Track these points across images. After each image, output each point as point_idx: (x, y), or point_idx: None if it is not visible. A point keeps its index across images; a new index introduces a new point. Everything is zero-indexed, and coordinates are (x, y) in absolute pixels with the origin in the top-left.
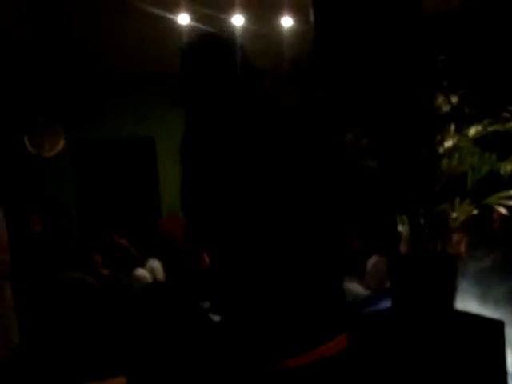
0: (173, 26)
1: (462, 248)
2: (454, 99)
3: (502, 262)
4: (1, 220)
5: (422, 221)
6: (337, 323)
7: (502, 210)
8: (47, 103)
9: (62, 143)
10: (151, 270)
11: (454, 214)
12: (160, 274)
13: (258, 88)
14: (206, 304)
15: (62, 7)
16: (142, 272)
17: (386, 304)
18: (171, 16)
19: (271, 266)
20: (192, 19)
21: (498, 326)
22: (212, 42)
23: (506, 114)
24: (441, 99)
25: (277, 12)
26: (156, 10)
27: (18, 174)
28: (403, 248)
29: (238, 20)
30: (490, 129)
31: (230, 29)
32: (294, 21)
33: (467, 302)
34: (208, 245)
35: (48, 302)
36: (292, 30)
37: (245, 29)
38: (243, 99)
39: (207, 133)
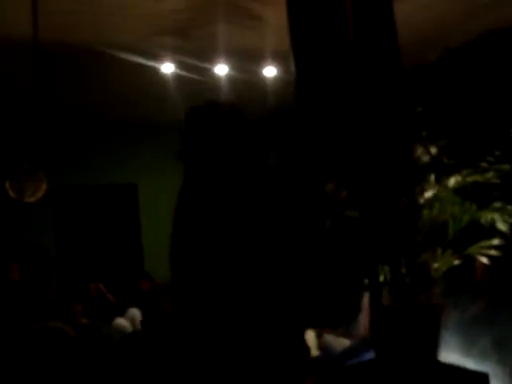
0: (157, 76)
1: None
2: (434, 150)
3: (486, 312)
4: None
5: (403, 271)
6: (298, 369)
7: (484, 260)
8: (29, 149)
9: (43, 189)
10: (131, 318)
11: (436, 265)
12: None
13: (255, 160)
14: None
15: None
16: (121, 321)
17: (370, 355)
18: (156, 65)
19: (237, 319)
20: (176, 68)
21: (482, 379)
22: (217, 111)
23: (484, 165)
24: (420, 150)
25: (260, 62)
26: (140, 60)
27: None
28: (385, 299)
29: (221, 69)
30: (469, 179)
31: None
32: (277, 71)
33: (451, 354)
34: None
35: (24, 352)
36: (275, 79)
37: (228, 78)
38: (240, 170)
39: (203, 196)
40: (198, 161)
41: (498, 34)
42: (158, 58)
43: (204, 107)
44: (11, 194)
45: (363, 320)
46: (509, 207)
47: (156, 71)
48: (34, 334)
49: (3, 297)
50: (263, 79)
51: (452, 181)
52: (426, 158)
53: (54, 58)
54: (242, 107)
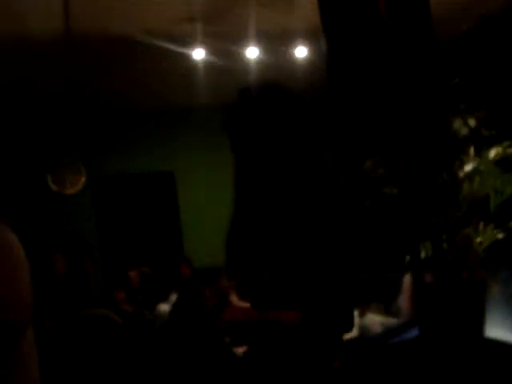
0: (188, 62)
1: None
2: (472, 122)
3: None
4: (23, 264)
5: (445, 247)
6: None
7: None
8: (68, 142)
9: (82, 180)
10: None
11: (479, 239)
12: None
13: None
14: (228, 339)
15: (79, 49)
16: (165, 307)
17: (413, 334)
18: (187, 51)
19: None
20: (207, 53)
21: None
22: (268, 93)
23: None
24: (458, 123)
25: (291, 43)
26: (171, 46)
27: (41, 213)
28: (428, 276)
29: (252, 52)
30: (510, 150)
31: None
32: (309, 51)
33: (497, 328)
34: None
35: (71, 339)
36: (306, 59)
37: (259, 61)
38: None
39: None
40: (252, 144)
41: None
42: (188, 44)
43: (253, 89)
44: (52, 186)
45: (404, 300)
46: None
47: (187, 57)
48: (82, 321)
49: (49, 287)
50: (294, 60)
51: (492, 153)
52: (464, 131)
53: (86, 48)
54: (289, 88)
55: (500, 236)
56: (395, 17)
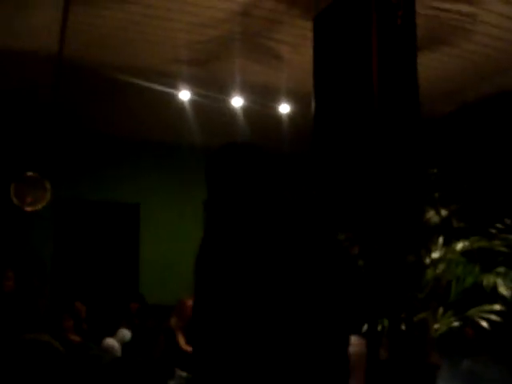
0: (173, 101)
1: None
2: (444, 212)
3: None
4: None
5: (402, 326)
6: None
7: (484, 324)
8: (38, 158)
9: (46, 199)
10: (121, 339)
11: (436, 325)
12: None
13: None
14: (173, 383)
15: (64, 74)
16: (111, 342)
17: None
18: (173, 91)
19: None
20: (193, 96)
21: None
22: (241, 156)
23: (493, 231)
24: (431, 212)
25: (276, 99)
26: (158, 86)
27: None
28: (382, 352)
29: (237, 102)
30: (476, 245)
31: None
32: (292, 109)
33: None
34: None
35: (12, 363)
36: (289, 116)
37: (243, 110)
38: (267, 215)
39: (228, 246)
40: (223, 208)
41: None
42: (175, 85)
43: (226, 150)
44: (14, 199)
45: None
46: None
47: (172, 97)
48: (23, 346)
49: None
50: (278, 115)
51: (460, 245)
52: (435, 220)
53: (74, 74)
54: (263, 148)
55: (456, 324)
56: (386, 93)
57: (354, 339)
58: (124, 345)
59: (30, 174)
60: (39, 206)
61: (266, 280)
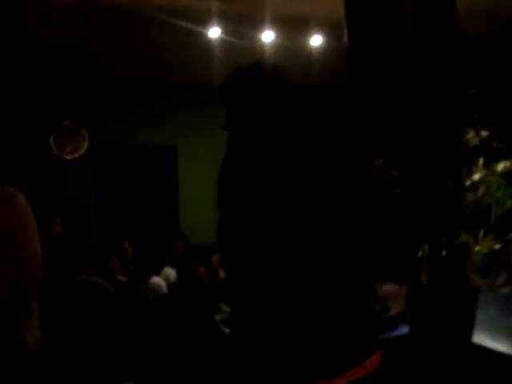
0: (201, 39)
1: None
2: (484, 133)
3: None
4: (34, 230)
5: (443, 251)
6: (369, 344)
7: None
8: (74, 106)
9: (85, 147)
10: (166, 277)
11: (477, 248)
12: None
13: (300, 122)
14: (218, 317)
15: (91, 18)
16: (157, 280)
17: (403, 330)
18: (202, 30)
19: (305, 288)
20: (223, 32)
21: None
22: (259, 73)
23: None
24: (470, 133)
25: (307, 31)
26: (187, 24)
27: (41, 174)
28: (423, 277)
29: (267, 36)
30: None
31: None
32: (324, 40)
33: (482, 335)
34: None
35: (65, 303)
36: (321, 48)
37: (274, 45)
38: (287, 134)
39: (249, 165)
40: (243, 126)
41: None
42: (205, 22)
43: (249, 69)
44: (53, 149)
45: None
46: None
47: (202, 35)
48: (74, 287)
49: (44, 250)
50: (309, 48)
51: (500, 166)
52: (475, 141)
53: (100, 18)
54: (286, 71)
55: (497, 246)
56: (421, 15)
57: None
58: (170, 284)
59: (67, 123)
60: (78, 154)
61: (289, 205)
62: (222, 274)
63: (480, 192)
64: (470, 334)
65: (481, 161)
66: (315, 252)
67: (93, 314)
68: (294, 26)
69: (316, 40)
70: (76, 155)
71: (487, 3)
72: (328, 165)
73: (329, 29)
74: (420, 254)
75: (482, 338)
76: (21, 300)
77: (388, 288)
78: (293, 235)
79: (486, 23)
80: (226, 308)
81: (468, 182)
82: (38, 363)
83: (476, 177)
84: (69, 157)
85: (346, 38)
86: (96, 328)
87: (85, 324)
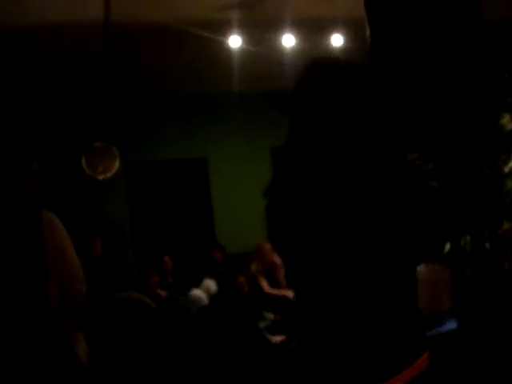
0: (224, 48)
1: None
2: None
3: None
4: (72, 250)
5: (486, 241)
6: (418, 343)
7: None
8: (103, 126)
9: (116, 166)
10: (207, 289)
11: None
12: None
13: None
14: (262, 324)
15: (118, 36)
16: (197, 292)
17: (452, 326)
18: (223, 39)
19: (352, 294)
20: (243, 40)
21: None
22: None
23: None
24: (506, 118)
25: (327, 31)
26: (208, 34)
27: (75, 196)
28: (467, 270)
29: (288, 40)
30: None
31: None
32: (345, 40)
33: None
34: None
35: (109, 321)
36: (342, 48)
37: (294, 48)
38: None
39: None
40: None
41: None
42: (225, 31)
43: (326, 62)
44: (86, 170)
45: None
46: None
47: (223, 45)
48: (117, 304)
49: (87, 271)
50: (330, 48)
51: None
52: (511, 126)
53: (124, 35)
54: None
55: None
56: (445, 4)
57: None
58: (211, 296)
59: (97, 143)
60: (111, 174)
61: (335, 213)
62: (262, 281)
63: None
64: None
65: None
66: (362, 252)
67: (136, 329)
68: (314, 29)
69: (337, 40)
70: (108, 175)
71: None
72: (369, 164)
73: (349, 28)
74: (462, 245)
75: None
76: (70, 315)
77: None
78: (339, 237)
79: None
80: (268, 315)
81: (506, 169)
82: (89, 376)
83: None
84: (101, 177)
85: (368, 34)
86: (140, 343)
87: (128, 340)
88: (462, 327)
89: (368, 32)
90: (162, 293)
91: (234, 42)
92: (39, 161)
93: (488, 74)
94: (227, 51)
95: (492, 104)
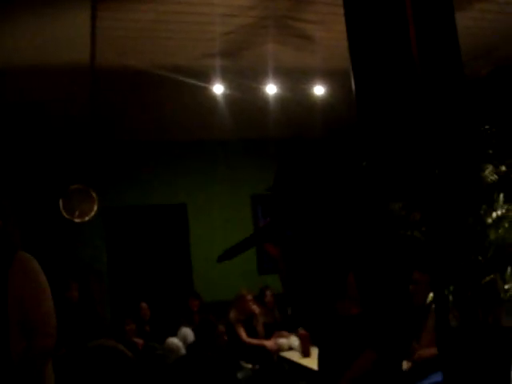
0: (206, 96)
1: None
2: (502, 168)
3: None
4: (46, 297)
5: (469, 291)
6: None
7: None
8: (82, 170)
9: (94, 209)
10: (183, 338)
11: (507, 286)
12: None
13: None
14: (240, 375)
15: (102, 81)
16: (174, 341)
17: (437, 378)
18: (206, 86)
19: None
20: (226, 88)
21: None
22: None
23: None
24: (488, 169)
25: (309, 81)
26: (192, 81)
27: (53, 240)
28: (452, 320)
29: (271, 89)
30: None
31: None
32: (327, 89)
33: None
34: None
35: (80, 369)
36: (324, 97)
37: (277, 97)
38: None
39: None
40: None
41: None
42: (209, 79)
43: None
44: (63, 213)
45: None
46: None
47: (207, 92)
48: (91, 352)
49: (62, 316)
50: (313, 98)
51: None
52: (493, 177)
53: (109, 81)
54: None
55: None
56: (427, 57)
57: None
58: (188, 345)
59: (75, 186)
60: (88, 217)
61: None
62: (240, 330)
63: (502, 229)
64: (508, 376)
65: (501, 196)
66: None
67: (110, 379)
68: (296, 78)
69: (318, 90)
70: (86, 218)
71: (486, 42)
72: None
73: (331, 78)
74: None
75: None
76: (33, 367)
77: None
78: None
79: (488, 61)
80: (246, 365)
81: (489, 220)
82: None
83: (497, 213)
84: (78, 220)
85: (353, 86)
86: None
87: None
88: (446, 379)
89: (353, 83)
90: (138, 341)
91: (217, 89)
92: (15, 202)
93: (470, 126)
94: (210, 99)
95: (474, 156)
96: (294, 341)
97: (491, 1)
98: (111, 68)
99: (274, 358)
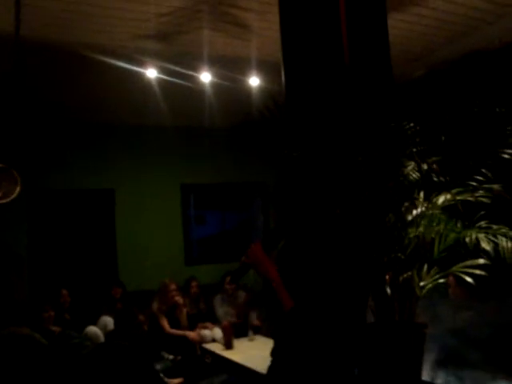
0: (140, 80)
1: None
2: (424, 167)
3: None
4: None
5: (387, 288)
6: None
7: (468, 279)
8: (5, 149)
9: (17, 191)
10: (104, 326)
11: (422, 282)
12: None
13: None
14: (159, 366)
15: (28, 56)
16: (93, 329)
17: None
18: (139, 70)
19: None
20: (160, 73)
21: None
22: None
23: (473, 184)
24: (410, 167)
25: (245, 71)
26: (124, 64)
27: None
28: (368, 316)
29: (205, 77)
30: (460, 197)
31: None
32: (261, 80)
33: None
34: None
35: None
36: (259, 88)
37: (212, 85)
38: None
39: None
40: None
41: (480, 54)
42: (141, 62)
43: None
44: None
45: None
46: (494, 227)
47: (139, 76)
48: (3, 340)
49: None
50: (247, 88)
51: (441, 199)
52: (415, 175)
53: (35, 55)
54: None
55: (441, 280)
56: (357, 55)
57: None
58: (107, 333)
59: None
60: (10, 199)
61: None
62: (162, 321)
63: (422, 226)
64: (419, 372)
65: (421, 194)
66: None
67: (22, 367)
68: (231, 67)
69: (254, 81)
70: (8, 199)
71: (420, 46)
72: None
73: (266, 69)
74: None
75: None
76: None
77: None
78: None
79: (421, 64)
80: (167, 356)
81: (409, 217)
82: None
83: (417, 211)
84: (0, 201)
85: (283, 78)
86: (25, 382)
87: (13, 379)
88: (361, 375)
89: (283, 75)
90: (56, 328)
91: (150, 73)
92: None
93: (393, 123)
94: (143, 83)
95: (396, 153)
96: (217, 333)
97: (426, 6)
98: (37, 40)
99: (197, 350)
